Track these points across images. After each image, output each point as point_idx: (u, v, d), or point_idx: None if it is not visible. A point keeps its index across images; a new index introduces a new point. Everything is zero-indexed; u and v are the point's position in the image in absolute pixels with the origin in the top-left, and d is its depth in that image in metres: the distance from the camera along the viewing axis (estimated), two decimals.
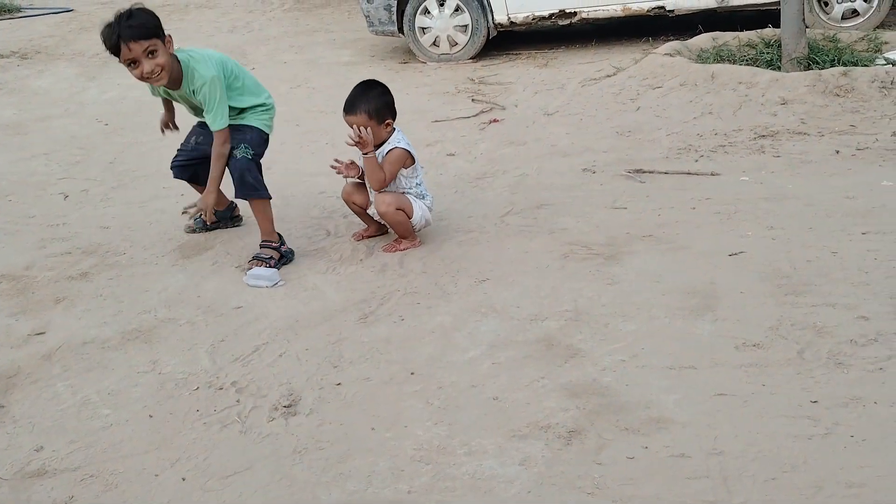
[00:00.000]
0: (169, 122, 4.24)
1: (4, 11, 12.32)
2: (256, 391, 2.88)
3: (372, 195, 3.90)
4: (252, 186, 3.82)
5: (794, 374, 2.73)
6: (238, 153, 3.79)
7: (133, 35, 3.48)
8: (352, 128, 3.74)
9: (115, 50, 3.52)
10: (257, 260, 3.80)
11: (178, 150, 4.18)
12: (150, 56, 3.53)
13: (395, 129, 3.86)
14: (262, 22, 10.85)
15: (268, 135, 4.00)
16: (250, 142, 3.84)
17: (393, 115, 3.83)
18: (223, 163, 3.79)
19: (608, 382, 2.77)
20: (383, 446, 2.54)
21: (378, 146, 3.81)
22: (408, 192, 3.92)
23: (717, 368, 2.80)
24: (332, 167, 3.93)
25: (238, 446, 2.59)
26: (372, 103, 3.74)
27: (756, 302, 3.21)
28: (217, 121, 3.72)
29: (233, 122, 3.82)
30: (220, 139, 3.75)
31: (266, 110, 3.98)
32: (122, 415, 2.81)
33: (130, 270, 3.95)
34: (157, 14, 3.63)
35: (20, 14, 12.36)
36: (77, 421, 2.79)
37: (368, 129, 3.71)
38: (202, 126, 4.00)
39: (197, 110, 3.91)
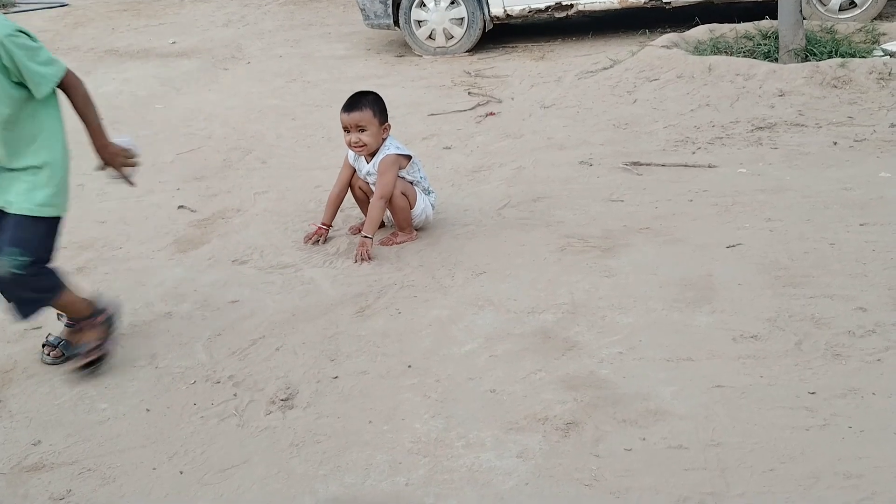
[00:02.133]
0: None
1: None
2: (253, 385, 2.88)
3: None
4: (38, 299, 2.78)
5: (791, 366, 2.73)
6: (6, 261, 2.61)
7: None
8: (351, 129, 3.80)
9: None
10: (81, 356, 2.95)
11: None
12: None
13: (388, 136, 3.92)
14: (257, 16, 10.82)
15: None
16: (22, 242, 2.64)
17: (388, 119, 3.92)
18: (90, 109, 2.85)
19: (605, 375, 2.77)
20: (380, 439, 2.54)
21: (373, 154, 3.88)
22: (415, 185, 3.99)
23: (714, 360, 2.80)
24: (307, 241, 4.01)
25: (235, 440, 2.59)
26: (377, 104, 3.83)
27: (754, 294, 3.21)
28: (49, 77, 2.70)
29: None
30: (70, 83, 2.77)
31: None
32: (119, 409, 2.80)
33: (127, 265, 3.94)
34: None
35: (15, 9, 12.31)
36: (74, 415, 2.79)
37: (367, 248, 3.75)
38: None
39: None
